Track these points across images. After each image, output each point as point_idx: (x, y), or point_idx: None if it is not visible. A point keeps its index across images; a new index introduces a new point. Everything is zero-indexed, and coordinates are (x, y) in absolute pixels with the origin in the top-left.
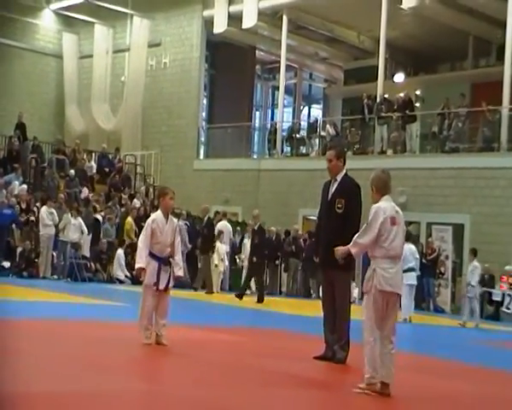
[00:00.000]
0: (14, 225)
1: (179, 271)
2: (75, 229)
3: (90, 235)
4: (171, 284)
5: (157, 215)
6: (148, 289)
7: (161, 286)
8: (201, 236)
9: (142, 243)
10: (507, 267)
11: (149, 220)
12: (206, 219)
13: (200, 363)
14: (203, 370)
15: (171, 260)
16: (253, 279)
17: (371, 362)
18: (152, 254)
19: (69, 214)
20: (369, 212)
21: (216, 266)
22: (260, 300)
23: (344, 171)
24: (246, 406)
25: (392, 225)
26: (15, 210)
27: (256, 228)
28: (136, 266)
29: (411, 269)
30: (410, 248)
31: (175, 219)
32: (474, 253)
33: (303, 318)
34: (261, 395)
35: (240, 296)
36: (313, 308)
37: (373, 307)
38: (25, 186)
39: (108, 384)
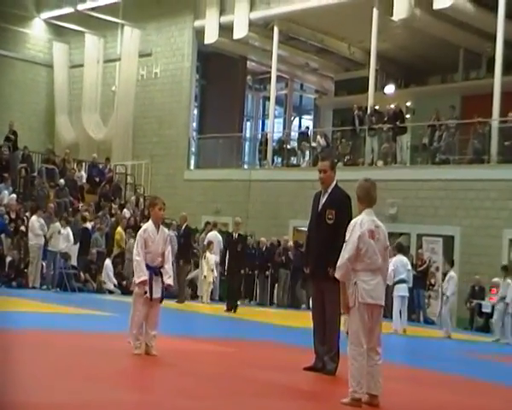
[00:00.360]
0: (3, 235)
1: (169, 279)
2: (63, 239)
3: (78, 244)
4: (159, 295)
5: (148, 225)
6: (139, 298)
7: (155, 295)
8: (178, 244)
9: (138, 256)
10: (495, 279)
11: (141, 232)
12: (183, 227)
13: (190, 374)
14: (193, 380)
15: (161, 269)
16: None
17: (355, 376)
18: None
19: (57, 224)
20: (349, 227)
21: (205, 276)
22: (230, 308)
23: (334, 182)
24: None
25: (371, 239)
26: (4, 219)
27: (236, 236)
28: (139, 279)
29: (402, 281)
30: (401, 260)
31: (166, 229)
32: (450, 263)
33: (292, 329)
34: (251, 405)
35: (232, 309)
36: (302, 319)
37: (358, 321)
38: (14, 196)
39: (98, 395)
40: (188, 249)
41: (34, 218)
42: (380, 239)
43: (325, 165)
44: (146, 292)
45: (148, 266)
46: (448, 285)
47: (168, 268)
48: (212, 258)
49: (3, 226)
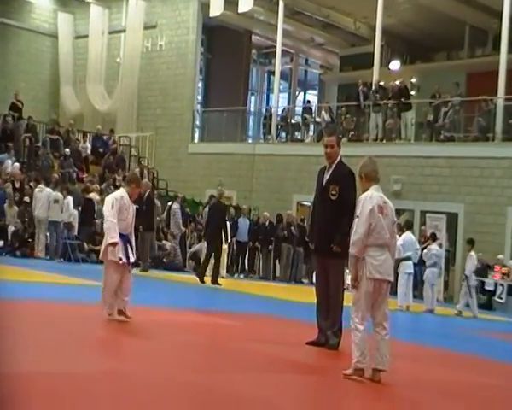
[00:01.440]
0: (5, 205)
1: (133, 255)
2: (65, 209)
3: (78, 215)
4: (132, 260)
5: (123, 194)
6: (112, 264)
7: (131, 259)
8: (141, 212)
9: (114, 217)
10: (499, 256)
11: (117, 196)
12: (146, 195)
13: (192, 346)
14: (196, 353)
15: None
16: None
17: (359, 347)
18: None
19: (59, 194)
20: (357, 202)
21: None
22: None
23: (339, 158)
24: (239, 389)
25: (380, 214)
26: (6, 191)
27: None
28: (112, 240)
29: (409, 258)
30: (410, 237)
31: (134, 206)
32: (471, 243)
33: (295, 303)
34: (255, 379)
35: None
36: (305, 294)
37: (363, 295)
38: (17, 164)
39: (93, 366)
40: (151, 217)
41: (38, 188)
42: (388, 215)
43: (331, 140)
44: (121, 258)
45: (121, 235)
46: (466, 265)
47: (133, 243)
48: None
49: (3, 200)
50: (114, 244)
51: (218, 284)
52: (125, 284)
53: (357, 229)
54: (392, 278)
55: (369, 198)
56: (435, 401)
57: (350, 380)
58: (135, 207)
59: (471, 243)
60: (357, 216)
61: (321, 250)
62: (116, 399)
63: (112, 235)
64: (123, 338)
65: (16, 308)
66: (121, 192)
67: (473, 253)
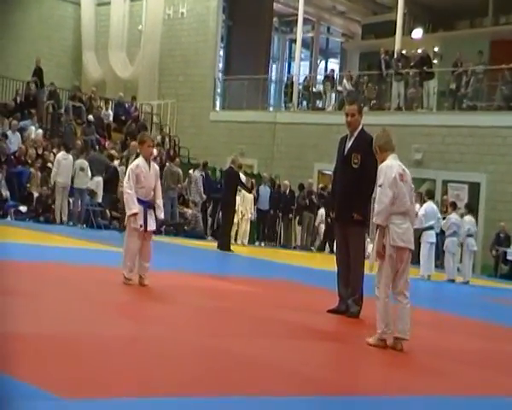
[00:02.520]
0: (32, 169)
1: (161, 214)
2: (84, 175)
3: (101, 182)
4: (154, 228)
5: (139, 161)
6: (133, 231)
7: (150, 228)
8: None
9: (130, 189)
10: None
11: (132, 166)
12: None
13: (214, 312)
14: (218, 319)
15: (154, 203)
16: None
17: (384, 318)
18: (137, 199)
19: (82, 161)
20: (378, 172)
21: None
22: (220, 246)
23: (361, 126)
24: (261, 355)
25: (401, 182)
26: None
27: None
28: (131, 211)
29: (431, 228)
30: (432, 207)
31: (156, 165)
32: (452, 206)
33: (316, 271)
34: (277, 345)
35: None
36: (326, 262)
37: (387, 264)
38: (41, 131)
39: (120, 329)
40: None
41: (60, 154)
42: (408, 181)
43: (353, 108)
44: (141, 226)
45: (141, 201)
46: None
47: (160, 202)
48: (249, 197)
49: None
50: (133, 215)
51: (230, 250)
52: (145, 251)
53: (382, 198)
54: (413, 247)
55: (390, 167)
56: (455, 367)
57: (371, 347)
58: (156, 167)
59: (452, 205)
60: (380, 185)
61: (342, 218)
62: (134, 360)
63: (130, 206)
64: (138, 302)
65: (36, 269)
66: (137, 161)
67: (453, 215)
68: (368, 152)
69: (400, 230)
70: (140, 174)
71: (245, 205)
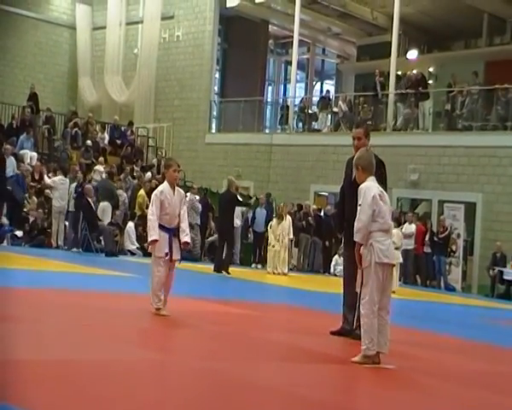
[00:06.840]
0: (27, 195)
1: (186, 237)
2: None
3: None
4: (179, 257)
5: (164, 187)
6: (159, 259)
7: (175, 256)
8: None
9: (153, 215)
10: None
11: (157, 192)
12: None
13: (214, 336)
14: (218, 343)
15: (179, 228)
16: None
17: (369, 333)
18: (161, 226)
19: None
20: (358, 192)
21: (273, 245)
22: (217, 269)
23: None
24: (264, 379)
25: (380, 201)
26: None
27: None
28: (151, 238)
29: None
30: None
31: (181, 190)
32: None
33: (316, 293)
34: (279, 368)
35: (222, 270)
36: (326, 284)
37: (374, 280)
38: (35, 155)
39: (122, 354)
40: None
41: (57, 179)
42: (387, 202)
43: (359, 132)
44: (167, 254)
45: (166, 228)
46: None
47: (184, 226)
48: (285, 223)
49: (24, 186)
50: (153, 242)
51: (228, 272)
52: (169, 280)
53: (361, 216)
54: (395, 262)
55: (369, 188)
56: (454, 389)
57: (372, 369)
58: (183, 194)
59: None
60: (359, 205)
61: (352, 242)
62: (133, 386)
63: (150, 233)
64: (137, 327)
65: (34, 296)
66: (161, 187)
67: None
68: (376, 174)
69: (384, 246)
70: (164, 200)
71: (281, 230)
